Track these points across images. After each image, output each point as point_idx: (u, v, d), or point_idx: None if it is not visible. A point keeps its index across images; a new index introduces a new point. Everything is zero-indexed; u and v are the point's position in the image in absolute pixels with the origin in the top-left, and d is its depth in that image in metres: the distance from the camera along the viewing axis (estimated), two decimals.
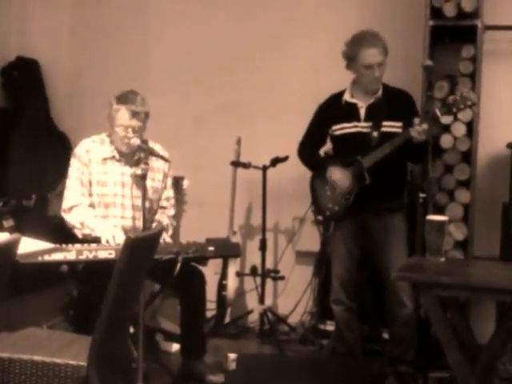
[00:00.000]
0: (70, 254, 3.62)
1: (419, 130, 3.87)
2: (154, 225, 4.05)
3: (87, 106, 5.48)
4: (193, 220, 4.77)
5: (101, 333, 2.81)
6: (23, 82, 5.66)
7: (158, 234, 3.32)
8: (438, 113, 3.89)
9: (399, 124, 4.09)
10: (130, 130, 3.92)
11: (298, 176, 4.74)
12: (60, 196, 4.09)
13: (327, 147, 4.40)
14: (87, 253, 3.65)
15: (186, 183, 4.71)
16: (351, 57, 4.10)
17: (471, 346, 3.46)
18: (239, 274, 5.24)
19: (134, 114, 3.91)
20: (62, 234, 4.01)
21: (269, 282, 5.21)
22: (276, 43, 5.31)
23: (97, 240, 3.82)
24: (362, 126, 4.13)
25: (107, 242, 3.78)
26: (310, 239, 5.14)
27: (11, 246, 2.88)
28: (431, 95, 4.06)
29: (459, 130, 4.54)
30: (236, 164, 5.03)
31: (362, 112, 4.15)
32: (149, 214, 3.95)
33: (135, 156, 4.03)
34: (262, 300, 5.02)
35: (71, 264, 3.66)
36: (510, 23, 4.69)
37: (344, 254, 4.23)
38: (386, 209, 4.13)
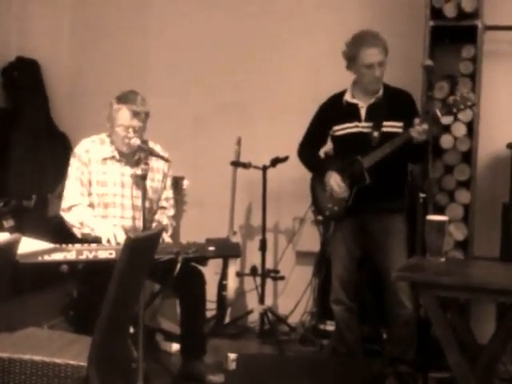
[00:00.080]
0: (70, 253, 3.62)
1: (419, 130, 3.87)
2: (153, 225, 4.05)
3: (87, 106, 5.48)
4: (193, 220, 4.78)
5: (101, 333, 2.81)
6: (23, 82, 5.66)
7: (158, 234, 3.32)
8: (439, 113, 3.90)
9: (400, 124, 4.09)
10: (130, 129, 3.92)
11: (298, 176, 4.74)
12: (60, 197, 4.09)
13: (327, 147, 4.40)
14: (87, 253, 3.65)
15: (186, 183, 4.71)
16: (352, 57, 4.10)
17: (471, 346, 3.46)
18: (239, 274, 5.24)
19: (135, 114, 3.91)
20: (62, 234, 4.01)
21: (269, 282, 5.21)
22: (276, 43, 5.31)
23: (97, 240, 3.82)
24: (362, 126, 4.13)
25: (108, 241, 3.78)
26: (310, 239, 5.14)
27: (11, 246, 2.88)
28: (431, 95, 4.06)
29: (459, 130, 4.53)
30: (236, 164, 5.03)
31: (363, 112, 4.15)
32: (148, 214, 3.94)
33: (135, 156, 4.03)
34: (262, 300, 5.02)
35: (71, 264, 3.66)
36: (511, 23, 4.69)
37: (344, 255, 4.23)
38: (387, 209, 4.13)
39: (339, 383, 3.96)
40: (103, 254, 3.66)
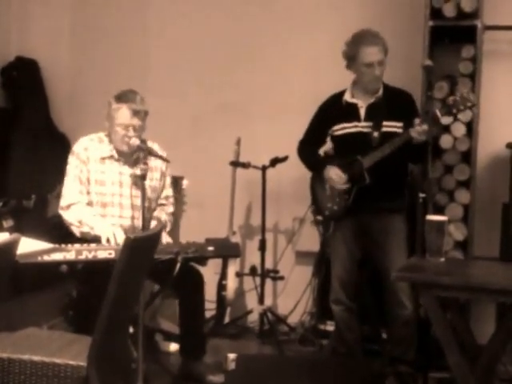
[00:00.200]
0: (69, 253, 3.62)
1: (419, 130, 3.87)
2: (152, 222, 4.04)
3: (87, 106, 5.48)
4: (192, 220, 4.78)
5: (101, 333, 2.81)
6: (23, 82, 5.65)
7: (158, 234, 3.31)
8: (438, 113, 3.89)
9: (400, 124, 4.08)
10: (130, 128, 3.92)
11: (297, 176, 4.74)
12: (59, 196, 4.08)
13: (327, 147, 4.39)
14: (87, 253, 3.64)
15: (185, 183, 4.71)
16: (351, 56, 4.10)
17: (471, 346, 3.46)
18: (239, 274, 5.24)
19: (135, 113, 3.92)
20: (62, 234, 4.01)
21: (268, 282, 5.21)
22: (276, 43, 5.31)
23: (96, 238, 3.81)
24: (362, 126, 4.13)
25: (107, 240, 3.78)
26: (310, 239, 5.14)
27: (11, 246, 2.88)
28: (431, 95, 4.06)
29: (459, 130, 4.53)
30: (235, 164, 5.02)
31: (362, 112, 4.15)
32: (147, 213, 3.94)
33: (133, 156, 4.03)
34: (261, 300, 5.02)
35: (71, 264, 3.65)
36: (510, 23, 4.69)
37: (344, 255, 4.23)
38: (386, 209, 4.13)
39: (339, 383, 3.96)
40: (103, 254, 3.66)
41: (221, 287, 4.99)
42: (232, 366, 4.14)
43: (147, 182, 3.91)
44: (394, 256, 4.06)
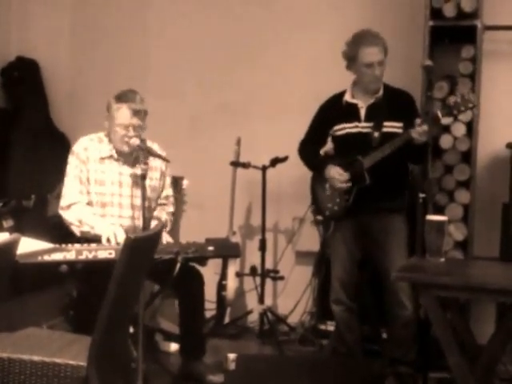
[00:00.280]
0: (69, 253, 3.61)
1: (419, 131, 3.86)
2: (152, 222, 4.04)
3: (87, 106, 5.48)
4: (192, 220, 4.78)
5: (101, 333, 2.81)
6: (23, 82, 5.66)
7: (158, 234, 3.31)
8: (439, 114, 3.89)
9: (400, 124, 4.08)
10: (130, 128, 3.92)
11: (297, 176, 4.74)
12: (59, 197, 4.08)
13: (327, 147, 4.39)
14: (87, 253, 3.64)
15: (185, 183, 4.71)
16: (351, 56, 4.10)
17: (471, 346, 3.46)
18: (239, 274, 5.24)
19: (135, 113, 3.92)
20: (62, 234, 4.01)
21: (268, 282, 5.21)
22: (276, 43, 5.31)
23: (97, 238, 3.81)
24: (362, 127, 4.13)
25: (108, 240, 3.78)
26: (310, 239, 5.14)
27: (11, 246, 2.88)
28: (431, 95, 4.05)
29: (459, 130, 4.54)
30: (236, 164, 5.02)
31: (363, 112, 4.15)
32: (147, 212, 3.93)
33: (133, 155, 4.02)
34: (261, 300, 5.02)
35: (71, 264, 3.65)
36: (510, 23, 4.69)
37: (344, 255, 4.23)
38: (387, 209, 4.13)
39: (339, 383, 3.96)
40: (103, 254, 3.66)
41: (221, 287, 4.99)
42: (232, 366, 4.14)
43: (147, 182, 3.91)
44: (394, 256, 4.05)
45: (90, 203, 3.99)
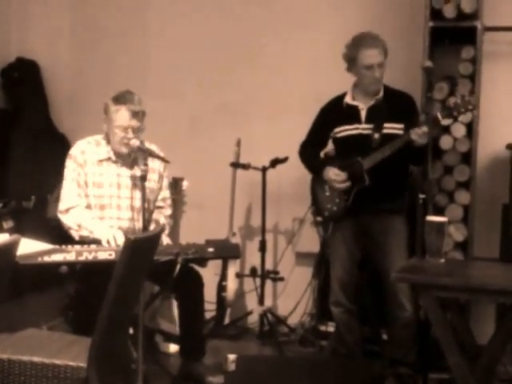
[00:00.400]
0: (69, 254, 3.61)
1: (419, 132, 3.86)
2: (151, 225, 4.04)
3: (87, 107, 5.47)
4: (192, 221, 4.77)
5: (100, 334, 2.81)
6: (23, 82, 5.65)
7: (158, 236, 3.31)
8: (439, 116, 3.89)
9: (400, 126, 4.09)
10: (129, 130, 3.91)
11: (297, 177, 4.74)
12: (58, 200, 4.07)
13: (328, 148, 4.40)
14: (87, 254, 3.64)
15: (185, 184, 4.70)
16: (351, 58, 4.11)
17: (471, 347, 3.46)
18: (239, 275, 5.24)
19: (134, 114, 3.91)
20: (62, 234, 4.01)
21: (268, 283, 5.21)
22: (276, 43, 5.31)
23: (96, 242, 3.81)
24: (363, 128, 4.14)
25: (108, 242, 3.78)
26: (310, 240, 5.13)
27: (11, 247, 2.88)
28: (431, 96, 4.04)
29: (459, 131, 4.53)
30: (235, 165, 5.02)
31: (363, 114, 4.16)
32: (146, 214, 3.93)
33: (131, 157, 4.02)
34: (261, 301, 5.02)
35: (71, 265, 3.65)
36: (510, 24, 4.69)
37: (344, 256, 4.23)
38: (386, 210, 4.13)
39: None
40: (103, 255, 3.66)
41: (221, 288, 4.99)
42: (232, 367, 4.14)
43: (145, 184, 3.90)
44: (393, 257, 4.06)
45: (88, 206, 3.99)
